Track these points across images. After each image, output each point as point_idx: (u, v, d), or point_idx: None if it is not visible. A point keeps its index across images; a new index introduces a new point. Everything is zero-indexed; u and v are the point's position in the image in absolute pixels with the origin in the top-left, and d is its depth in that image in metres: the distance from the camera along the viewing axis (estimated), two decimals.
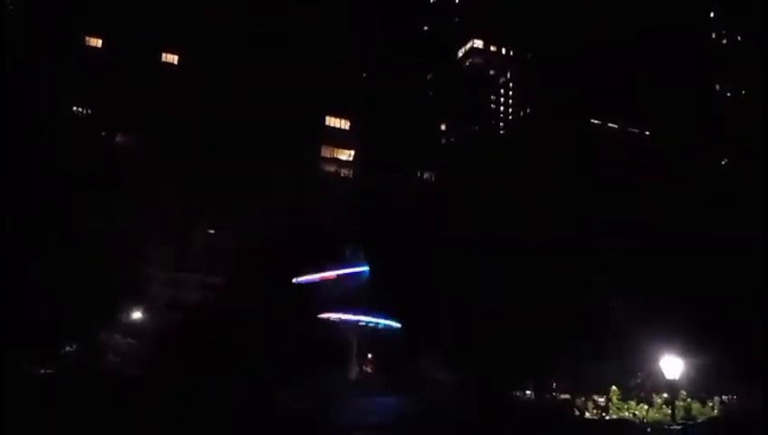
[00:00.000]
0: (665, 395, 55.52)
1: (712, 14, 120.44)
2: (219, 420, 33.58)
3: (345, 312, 50.19)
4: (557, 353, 58.62)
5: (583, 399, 61.91)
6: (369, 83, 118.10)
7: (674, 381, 35.07)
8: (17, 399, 30.88)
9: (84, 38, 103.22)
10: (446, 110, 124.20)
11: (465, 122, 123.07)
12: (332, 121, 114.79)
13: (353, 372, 50.84)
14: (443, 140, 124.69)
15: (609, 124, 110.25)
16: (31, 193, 53.43)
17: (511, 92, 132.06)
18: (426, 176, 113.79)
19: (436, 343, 57.95)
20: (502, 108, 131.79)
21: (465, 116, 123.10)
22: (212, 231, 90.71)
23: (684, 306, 54.85)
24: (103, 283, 55.62)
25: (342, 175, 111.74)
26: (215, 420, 33.39)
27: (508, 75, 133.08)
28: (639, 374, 59.34)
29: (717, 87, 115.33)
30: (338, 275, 50.64)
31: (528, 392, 66.24)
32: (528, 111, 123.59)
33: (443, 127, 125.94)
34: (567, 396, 64.02)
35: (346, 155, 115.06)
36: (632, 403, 58.57)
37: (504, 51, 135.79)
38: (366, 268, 51.22)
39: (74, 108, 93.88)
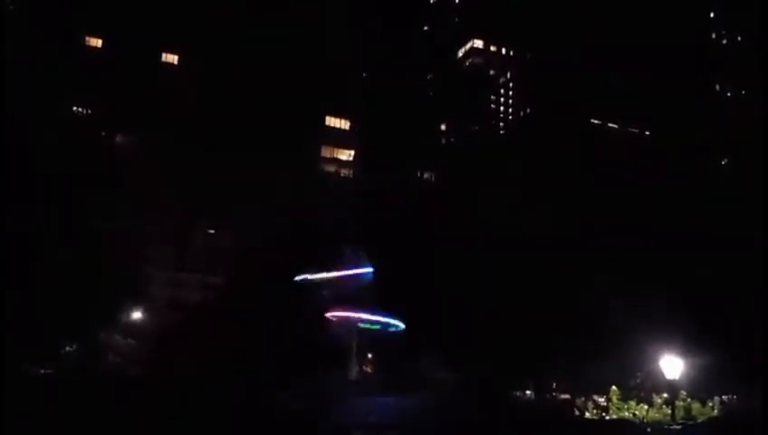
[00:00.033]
0: (665, 395, 55.52)
1: (712, 14, 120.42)
2: (219, 420, 33.58)
3: (354, 311, 50.05)
4: (557, 353, 58.61)
5: (583, 399, 61.93)
6: (369, 83, 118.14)
7: (674, 381, 35.11)
8: (17, 399, 30.87)
9: (84, 38, 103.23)
10: (446, 110, 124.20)
11: (465, 122, 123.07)
12: (332, 121, 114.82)
13: (353, 372, 50.82)
14: (443, 140, 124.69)
15: (609, 124, 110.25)
16: (31, 193, 53.43)
17: (511, 92, 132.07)
18: (426, 176, 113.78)
19: (436, 343, 57.94)
20: (502, 108, 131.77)
21: (465, 116, 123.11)
22: (212, 231, 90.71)
23: (684, 306, 54.82)
24: (103, 283, 55.63)
25: (342, 175, 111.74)
26: (215, 420, 33.38)
27: (508, 75, 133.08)
28: (639, 374, 59.33)
29: (717, 87, 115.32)
30: (343, 276, 50.44)
31: (528, 392, 66.25)
32: (528, 111, 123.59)
33: (443, 127, 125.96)
34: (567, 396, 64.04)
35: (346, 155, 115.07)
36: (632, 403, 58.58)
37: (504, 51, 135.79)
38: (370, 270, 51.03)
39: (74, 108, 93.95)
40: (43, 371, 50.63)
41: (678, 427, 44.63)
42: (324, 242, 56.69)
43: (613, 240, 64.97)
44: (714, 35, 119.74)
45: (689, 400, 56.77)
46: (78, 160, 63.43)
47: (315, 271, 51.13)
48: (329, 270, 50.88)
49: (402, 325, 49.69)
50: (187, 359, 53.23)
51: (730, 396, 61.27)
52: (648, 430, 47.28)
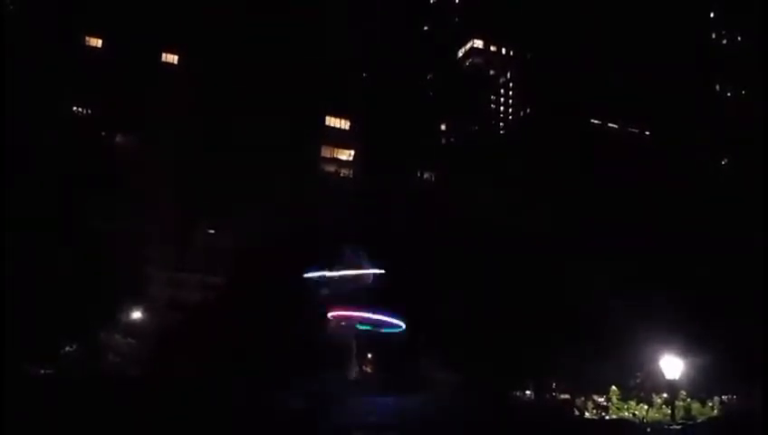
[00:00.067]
0: (665, 395, 55.51)
1: (712, 14, 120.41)
2: (219, 420, 33.59)
3: (354, 311, 49.89)
4: (557, 353, 58.57)
5: (583, 399, 61.92)
6: (369, 83, 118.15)
7: (674, 381, 35.11)
8: (17, 399, 30.87)
9: (84, 38, 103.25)
10: (446, 110, 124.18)
11: (465, 122, 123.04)
12: (332, 121, 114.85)
13: (353, 372, 50.79)
14: (443, 140, 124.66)
15: (609, 124, 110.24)
16: (31, 193, 53.44)
17: (511, 92, 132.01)
18: (426, 176, 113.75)
19: (436, 343, 57.94)
20: (502, 108, 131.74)
21: (465, 116, 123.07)
22: (212, 231, 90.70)
23: (684, 306, 54.81)
24: (103, 283, 55.66)
25: (342, 175, 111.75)
26: (215, 420, 33.39)
27: (508, 75, 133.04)
28: (639, 374, 59.33)
29: (717, 87, 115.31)
30: (356, 275, 50.11)
31: (528, 392, 66.24)
32: (528, 111, 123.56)
33: (443, 127, 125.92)
34: (567, 396, 64.03)
35: (346, 155, 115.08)
36: (632, 403, 58.57)
37: (504, 51, 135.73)
38: (378, 271, 50.67)
39: (74, 108, 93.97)
40: (43, 371, 50.64)
41: (678, 427, 44.62)
42: (324, 242, 56.63)
43: (613, 240, 64.93)
44: (714, 35, 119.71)
45: (689, 400, 56.75)
46: (78, 160, 63.45)
47: (325, 269, 50.56)
48: (339, 269, 50.38)
49: (402, 325, 49.61)
50: (187, 359, 53.20)
51: (730, 396, 61.25)
52: (648, 430, 47.30)
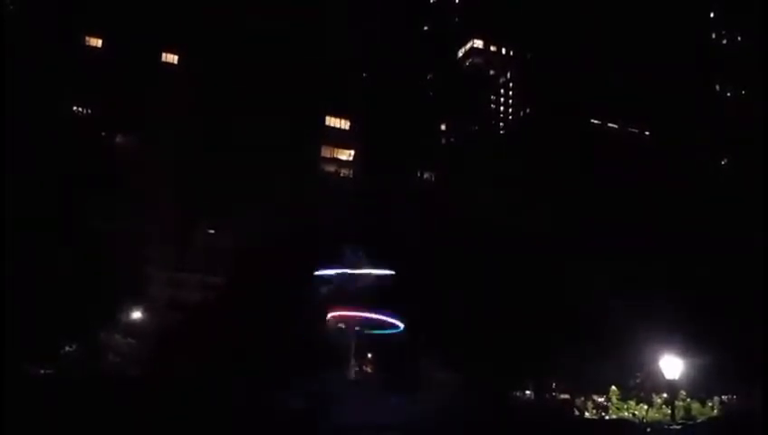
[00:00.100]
0: (664, 395, 55.50)
1: (712, 14, 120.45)
2: (219, 420, 33.59)
3: (354, 311, 49.77)
4: (557, 353, 58.58)
5: (583, 399, 61.92)
6: (369, 83, 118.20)
7: (674, 381, 35.12)
8: (17, 399, 30.87)
9: (84, 38, 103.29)
10: (446, 110, 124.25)
11: (465, 122, 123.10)
12: (332, 121, 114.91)
13: (352, 372, 50.76)
14: (443, 140, 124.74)
15: (609, 124, 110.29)
16: (31, 193, 53.44)
17: (511, 92, 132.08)
18: (426, 176, 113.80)
19: (436, 344, 57.92)
20: (502, 108, 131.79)
21: (465, 116, 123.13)
22: (212, 231, 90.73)
23: (684, 306, 54.81)
24: (103, 283, 55.64)
25: (342, 175, 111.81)
26: (215, 420, 33.39)
27: (508, 75, 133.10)
28: (639, 374, 59.31)
29: (717, 87, 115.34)
30: (361, 275, 49.91)
31: (528, 392, 66.23)
32: (528, 111, 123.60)
33: (443, 127, 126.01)
34: (567, 396, 64.02)
35: (346, 155, 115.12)
36: (632, 403, 58.57)
37: (504, 51, 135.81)
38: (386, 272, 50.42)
39: (74, 108, 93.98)
40: (43, 371, 50.61)
41: (678, 427, 44.61)
42: (324, 242, 56.61)
43: (613, 240, 64.94)
44: (714, 35, 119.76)
45: (689, 400, 56.76)
46: (78, 160, 63.43)
47: (337, 267, 50.22)
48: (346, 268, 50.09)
49: (401, 326, 49.55)
50: (187, 359, 53.17)
51: (730, 396, 61.25)
52: (648, 429, 47.24)
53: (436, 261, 61.51)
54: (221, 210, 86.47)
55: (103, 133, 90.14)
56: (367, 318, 48.19)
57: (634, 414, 56.96)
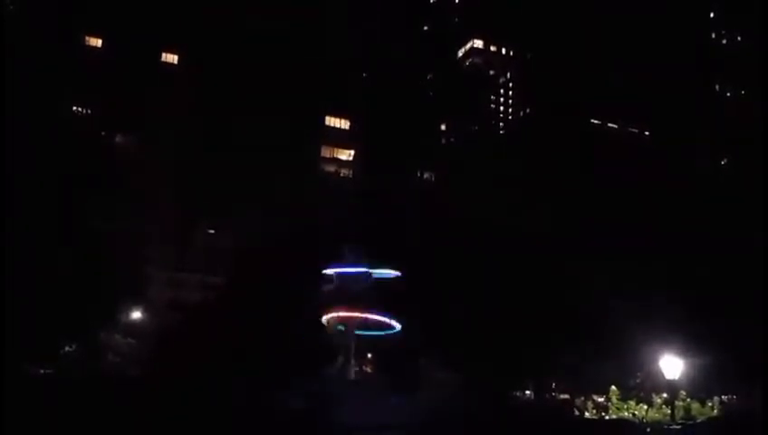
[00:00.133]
0: (664, 395, 55.46)
1: (712, 14, 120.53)
2: (219, 420, 33.59)
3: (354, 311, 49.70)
4: (557, 353, 58.56)
5: (583, 399, 61.89)
6: (369, 83, 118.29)
7: (673, 380, 35.12)
8: (17, 399, 30.87)
9: (84, 38, 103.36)
10: (446, 110, 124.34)
11: (465, 122, 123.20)
12: (332, 121, 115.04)
13: (351, 372, 50.72)
14: (443, 140, 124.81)
15: (609, 124, 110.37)
16: (31, 193, 53.41)
17: (511, 92, 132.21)
18: (426, 176, 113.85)
19: (436, 344, 57.90)
20: (502, 108, 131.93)
21: (465, 116, 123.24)
22: (212, 231, 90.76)
23: (684, 306, 54.81)
24: (103, 283, 55.59)
25: (342, 175, 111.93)
26: (215, 420, 33.39)
27: (508, 75, 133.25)
28: (639, 374, 59.26)
29: (717, 87, 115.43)
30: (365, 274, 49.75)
31: (528, 392, 66.22)
32: (528, 111, 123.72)
33: (443, 127, 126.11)
34: (567, 396, 64.00)
35: (346, 155, 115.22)
36: (632, 403, 58.49)
37: (504, 51, 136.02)
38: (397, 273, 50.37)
39: (74, 108, 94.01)
40: (42, 371, 50.59)
41: (678, 427, 44.59)
42: (324, 242, 56.59)
43: (613, 240, 64.93)
44: (714, 35, 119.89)
45: (689, 400, 56.71)
46: (78, 160, 63.39)
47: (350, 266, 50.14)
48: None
49: (398, 326, 49.47)
50: (187, 359, 53.14)
51: (730, 396, 61.23)
52: (648, 429, 47.20)
53: (436, 261, 61.47)
54: (221, 210, 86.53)
55: (103, 133, 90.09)
56: (365, 319, 48.12)
57: (634, 414, 56.88)
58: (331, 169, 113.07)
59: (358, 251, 49.29)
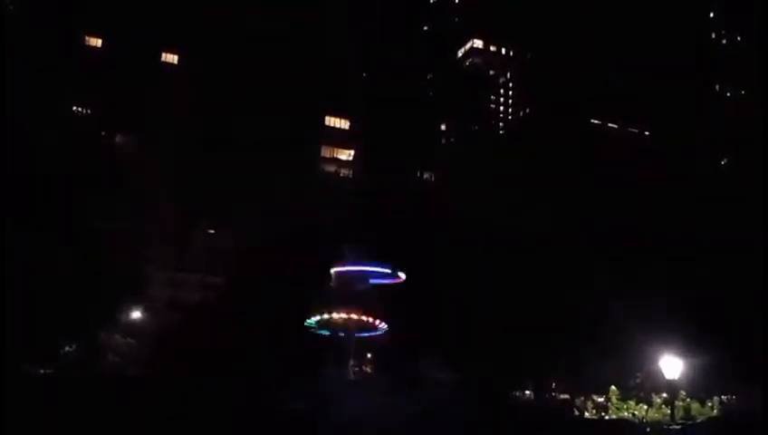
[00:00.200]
0: (664, 395, 55.49)
1: (712, 14, 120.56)
2: (219, 420, 33.60)
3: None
4: (557, 353, 58.58)
5: (583, 399, 61.90)
6: (369, 83, 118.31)
7: (673, 380, 35.12)
8: (17, 399, 30.88)
9: (84, 38, 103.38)
10: (446, 110, 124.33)
11: (465, 122, 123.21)
12: (332, 121, 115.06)
13: (351, 372, 50.73)
14: (443, 140, 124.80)
15: (609, 124, 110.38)
16: (31, 193, 53.40)
17: (511, 92, 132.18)
18: (426, 176, 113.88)
19: (436, 343, 57.91)
20: (502, 108, 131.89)
21: (465, 116, 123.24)
22: (212, 231, 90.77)
23: (684, 306, 54.80)
24: (103, 283, 55.56)
25: (342, 175, 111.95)
26: (215, 420, 33.40)
27: (508, 75, 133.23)
28: (639, 374, 59.27)
29: (717, 87, 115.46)
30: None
31: (528, 392, 66.21)
32: (528, 111, 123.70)
33: (443, 127, 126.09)
34: (566, 396, 64.00)
35: (346, 155, 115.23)
36: (631, 403, 58.53)
37: (504, 51, 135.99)
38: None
39: (74, 108, 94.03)
40: (42, 371, 50.58)
41: (678, 427, 44.60)
42: (324, 242, 56.60)
43: (613, 240, 64.94)
44: (714, 35, 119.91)
45: (689, 400, 56.73)
46: (78, 160, 63.39)
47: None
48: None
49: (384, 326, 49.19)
50: (187, 359, 53.15)
51: (730, 396, 61.23)
52: (648, 429, 47.22)
53: (436, 261, 61.47)
54: (221, 210, 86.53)
55: (103, 133, 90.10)
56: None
57: (634, 414, 56.91)
58: (331, 169, 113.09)
59: (358, 251, 49.30)
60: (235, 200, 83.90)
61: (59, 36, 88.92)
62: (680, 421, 48.04)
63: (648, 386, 58.12)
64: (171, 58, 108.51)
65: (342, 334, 48.06)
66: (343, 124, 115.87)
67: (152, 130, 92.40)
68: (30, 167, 55.08)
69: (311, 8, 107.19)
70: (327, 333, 47.88)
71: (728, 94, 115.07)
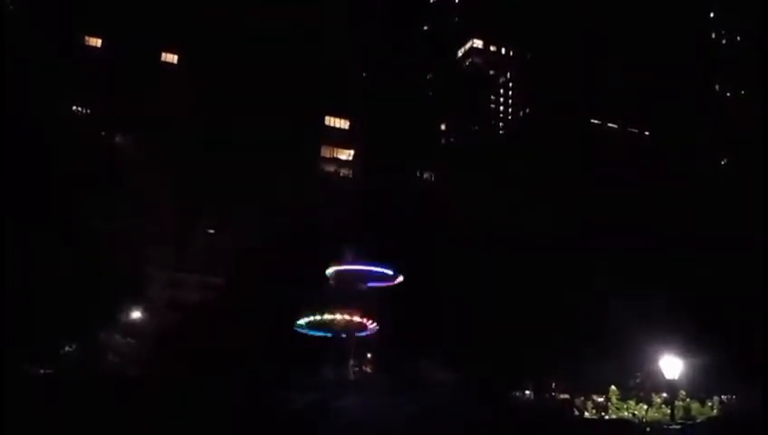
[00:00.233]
0: (664, 395, 55.52)
1: (712, 14, 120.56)
2: (219, 420, 33.60)
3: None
4: (557, 353, 58.57)
5: (583, 399, 61.92)
6: (369, 83, 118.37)
7: (673, 380, 35.11)
8: (17, 399, 30.88)
9: (84, 38, 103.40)
10: (446, 110, 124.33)
11: (465, 122, 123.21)
12: (332, 121, 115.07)
13: (350, 373, 50.76)
14: (443, 140, 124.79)
15: (609, 124, 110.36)
16: (31, 193, 53.39)
17: (511, 92, 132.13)
18: (426, 176, 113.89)
19: (435, 343, 57.92)
20: (502, 108, 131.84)
21: (465, 116, 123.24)
22: (212, 231, 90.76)
23: (684, 306, 54.81)
24: (103, 283, 55.55)
25: (342, 175, 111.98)
26: (215, 420, 33.40)
27: (508, 75, 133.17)
28: (639, 374, 59.30)
29: (717, 87, 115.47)
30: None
31: (528, 392, 66.22)
32: (528, 111, 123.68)
33: (443, 127, 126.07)
34: (566, 396, 64.02)
35: (346, 155, 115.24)
36: (631, 403, 58.57)
37: (504, 51, 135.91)
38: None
39: (74, 108, 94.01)
40: (42, 371, 50.59)
41: (678, 427, 44.62)
42: (324, 242, 56.61)
43: (613, 240, 64.95)
44: (714, 35, 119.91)
45: (689, 400, 56.76)
46: (78, 160, 63.36)
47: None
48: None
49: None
50: (187, 359, 53.18)
51: (730, 396, 61.25)
52: (648, 429, 47.25)
53: (436, 261, 61.48)
54: (221, 210, 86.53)
55: (103, 133, 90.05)
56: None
57: (634, 414, 56.95)
58: (331, 169, 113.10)
59: (358, 251, 49.33)
60: (234, 200, 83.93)
61: (59, 36, 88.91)
62: (680, 421, 48.07)
63: (648, 386, 58.15)
64: (171, 58, 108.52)
65: (344, 335, 48.19)
66: (343, 124, 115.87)
67: (152, 130, 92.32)
68: (30, 167, 55.06)
69: (311, 8, 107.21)
70: (319, 334, 47.98)
71: (728, 94, 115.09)
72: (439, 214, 72.59)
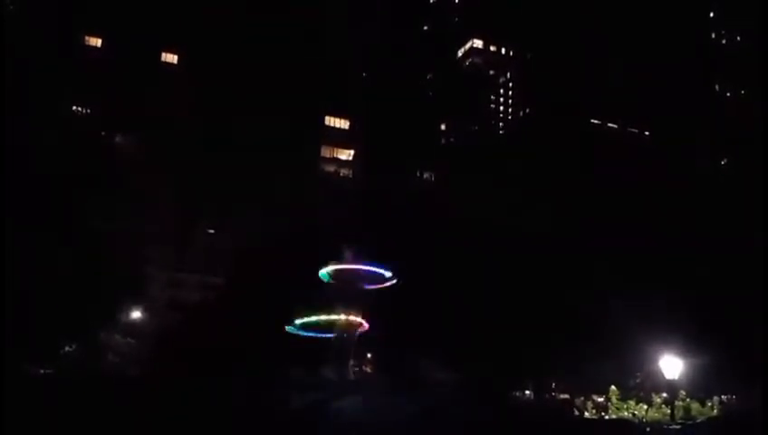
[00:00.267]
0: (664, 395, 55.51)
1: (712, 14, 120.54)
2: (219, 420, 33.61)
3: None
4: (557, 353, 58.57)
5: (583, 399, 61.90)
6: (369, 83, 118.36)
7: (673, 380, 35.12)
8: (17, 399, 30.89)
9: (84, 38, 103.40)
10: (446, 110, 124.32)
11: (465, 122, 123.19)
12: (332, 121, 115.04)
13: (351, 372, 50.79)
14: (443, 140, 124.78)
15: (609, 124, 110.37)
16: (31, 193, 53.41)
17: (511, 92, 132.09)
18: (426, 176, 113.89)
19: (436, 343, 57.92)
20: (502, 108, 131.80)
21: (465, 116, 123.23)
22: (212, 231, 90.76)
23: (684, 306, 54.82)
24: (103, 283, 55.57)
25: (342, 175, 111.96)
26: (215, 420, 33.41)
27: (508, 75, 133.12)
28: (639, 374, 59.29)
29: (717, 87, 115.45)
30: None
31: (528, 392, 66.23)
32: (528, 111, 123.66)
33: (443, 127, 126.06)
34: (566, 396, 64.01)
35: (346, 155, 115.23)
36: (631, 403, 58.55)
37: (503, 51, 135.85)
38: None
39: (74, 108, 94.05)
40: (42, 371, 50.59)
41: (678, 427, 44.60)
42: (324, 242, 56.63)
43: (613, 240, 64.96)
44: (714, 35, 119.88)
45: (689, 400, 56.75)
46: (78, 160, 63.40)
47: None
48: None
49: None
50: (187, 359, 53.18)
51: (730, 396, 61.24)
52: (648, 429, 47.23)
53: (436, 261, 61.49)
54: (221, 210, 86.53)
55: (103, 133, 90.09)
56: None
57: (634, 414, 56.93)
58: (331, 169, 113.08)
59: (358, 251, 49.38)
60: (234, 200, 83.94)
61: (59, 36, 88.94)
62: (680, 421, 48.04)
63: (648, 386, 58.13)
64: (171, 58, 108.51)
65: (334, 335, 48.27)
66: (343, 124, 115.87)
67: (152, 130, 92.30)
68: (30, 167, 55.09)
69: (311, 8, 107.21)
70: (310, 334, 48.08)
71: (728, 94, 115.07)
72: (439, 214, 72.62)
